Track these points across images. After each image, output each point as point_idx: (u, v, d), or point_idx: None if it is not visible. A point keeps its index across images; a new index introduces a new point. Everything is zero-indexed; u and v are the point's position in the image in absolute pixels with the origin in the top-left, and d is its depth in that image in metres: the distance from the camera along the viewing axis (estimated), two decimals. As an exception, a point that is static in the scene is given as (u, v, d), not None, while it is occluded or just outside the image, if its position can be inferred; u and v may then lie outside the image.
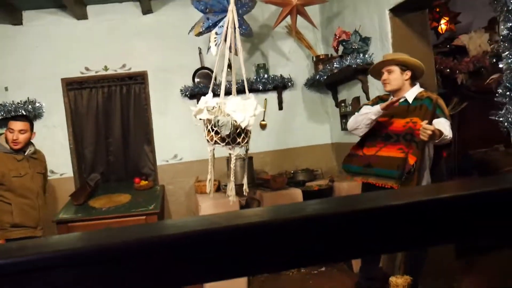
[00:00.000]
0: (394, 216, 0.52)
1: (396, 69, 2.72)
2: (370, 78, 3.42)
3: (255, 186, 3.91)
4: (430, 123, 2.37)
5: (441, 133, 2.35)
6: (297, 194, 3.65)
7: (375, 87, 3.33)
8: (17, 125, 3.07)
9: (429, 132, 2.31)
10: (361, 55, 3.32)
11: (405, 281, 2.44)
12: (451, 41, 4.12)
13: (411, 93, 2.71)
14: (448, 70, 3.75)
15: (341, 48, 3.59)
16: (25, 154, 3.15)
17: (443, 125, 2.44)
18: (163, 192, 4.17)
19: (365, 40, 3.35)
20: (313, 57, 4.36)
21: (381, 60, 2.79)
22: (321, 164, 4.51)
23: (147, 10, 4.23)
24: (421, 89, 2.73)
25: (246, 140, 2.52)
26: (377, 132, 2.81)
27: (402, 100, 2.71)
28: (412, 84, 2.74)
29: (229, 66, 3.75)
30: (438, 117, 2.50)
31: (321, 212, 0.56)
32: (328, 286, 3.32)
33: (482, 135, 4.06)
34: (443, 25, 4.31)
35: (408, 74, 2.71)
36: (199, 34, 3.57)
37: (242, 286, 3.39)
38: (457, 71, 3.77)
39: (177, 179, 4.35)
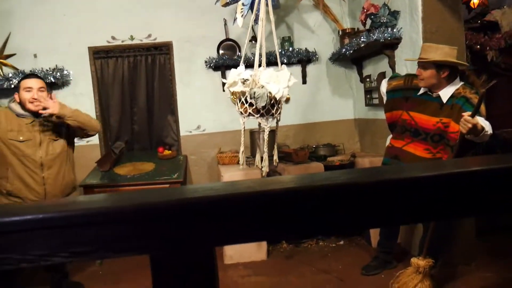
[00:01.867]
0: (418, 187, 0.54)
1: (431, 67, 2.55)
2: (397, 53, 3.37)
3: (277, 159, 3.93)
4: (477, 108, 2.20)
5: (482, 128, 2.21)
6: (318, 168, 3.68)
7: (403, 63, 3.27)
8: (35, 82, 2.74)
9: (469, 125, 2.16)
10: (389, 29, 3.27)
11: (426, 264, 2.46)
12: (483, 17, 3.98)
13: (447, 92, 2.56)
14: (478, 46, 3.65)
15: (368, 22, 3.53)
16: (40, 117, 2.76)
17: (483, 121, 2.29)
18: (186, 162, 4.25)
19: (394, 14, 3.29)
20: (339, 31, 4.30)
21: (418, 57, 2.63)
22: (343, 140, 4.50)
23: (173, -21, 4.21)
24: (459, 85, 2.55)
25: (279, 111, 2.54)
26: (406, 125, 2.71)
27: (434, 95, 2.60)
28: (450, 81, 2.57)
29: (254, 38, 3.74)
30: (464, 111, 2.34)
31: (354, 181, 0.59)
32: (346, 259, 3.38)
33: (510, 114, 3.97)
34: (475, 0, 4.16)
35: (445, 72, 2.54)
36: (226, 4, 3.56)
37: (262, 256, 3.48)
38: (488, 48, 3.67)
39: (199, 150, 4.41)
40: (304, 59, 4.37)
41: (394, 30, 3.26)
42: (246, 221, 0.52)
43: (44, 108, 2.67)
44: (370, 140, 4.27)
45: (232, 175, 3.55)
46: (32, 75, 2.92)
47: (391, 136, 2.92)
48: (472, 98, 2.42)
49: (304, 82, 4.48)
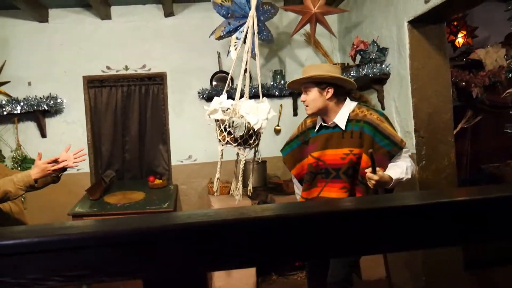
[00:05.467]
0: (410, 215, 0.56)
1: (313, 87, 2.32)
2: (386, 87, 3.46)
3: (267, 190, 3.96)
4: (373, 164, 2.02)
5: (391, 178, 2.07)
6: (308, 199, 3.69)
7: (391, 97, 3.36)
8: None
9: (373, 182, 2.03)
10: (378, 65, 3.36)
11: None
12: (468, 55, 4.14)
13: (341, 116, 2.31)
14: (463, 83, 3.77)
15: (358, 58, 3.64)
16: None
17: (398, 167, 2.15)
18: (177, 192, 4.24)
19: (383, 51, 3.40)
20: (329, 65, 4.41)
21: (292, 80, 2.43)
22: (333, 171, 4.54)
23: (169, 12, 4.32)
24: (354, 106, 2.33)
25: (256, 143, 2.57)
26: (313, 169, 2.41)
27: (331, 125, 2.36)
28: (340, 104, 2.34)
29: (245, 70, 3.83)
30: (383, 149, 2.19)
31: (343, 208, 0.61)
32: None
33: (495, 150, 4.06)
34: (460, 39, 4.33)
35: (329, 91, 2.30)
36: (220, 38, 3.65)
37: (251, 287, 3.43)
38: (473, 85, 3.79)
39: (190, 180, 4.41)
40: (295, 92, 4.44)
41: (383, 66, 3.36)
42: (239, 246, 0.54)
43: None
44: (359, 173, 4.30)
45: (222, 205, 3.55)
46: None
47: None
48: (380, 124, 2.22)
49: (295, 114, 4.55)
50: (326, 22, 3.78)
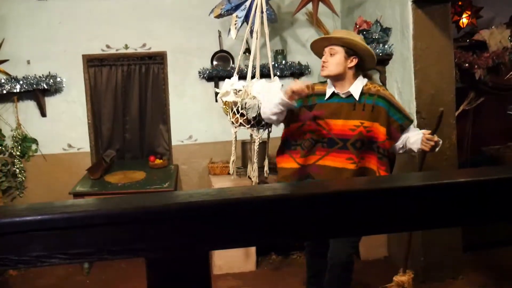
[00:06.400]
0: (414, 196, 0.56)
1: (340, 51, 2.29)
2: (388, 68, 3.44)
3: (268, 170, 3.96)
4: (438, 126, 2.17)
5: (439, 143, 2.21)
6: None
7: (393, 79, 3.34)
8: None
9: (432, 143, 2.13)
10: (381, 45, 3.33)
11: (409, 277, 2.44)
12: (472, 36, 4.08)
13: (357, 87, 2.31)
14: (466, 64, 3.73)
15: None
16: None
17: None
18: (177, 172, 4.25)
19: (386, 31, 3.36)
20: (331, 45, 4.36)
21: (324, 36, 2.42)
22: (334, 152, 4.54)
23: (169, -10, 4.26)
24: (366, 81, 2.37)
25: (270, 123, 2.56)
26: (316, 137, 2.35)
27: (344, 96, 2.34)
28: (356, 75, 2.34)
29: (248, 50, 3.79)
30: (396, 123, 2.28)
31: (345, 189, 0.61)
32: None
33: (496, 132, 4.06)
34: (464, 19, 4.27)
35: (353, 61, 2.30)
36: (219, 16, 3.60)
37: (251, 266, 3.48)
38: (476, 66, 3.76)
39: (191, 160, 4.42)
40: (297, 72, 4.42)
41: (386, 46, 3.33)
42: (241, 226, 0.54)
43: None
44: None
45: (223, 185, 3.57)
46: None
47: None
48: (392, 99, 2.33)
49: (296, 95, 4.53)
50: (328, 1, 3.73)
